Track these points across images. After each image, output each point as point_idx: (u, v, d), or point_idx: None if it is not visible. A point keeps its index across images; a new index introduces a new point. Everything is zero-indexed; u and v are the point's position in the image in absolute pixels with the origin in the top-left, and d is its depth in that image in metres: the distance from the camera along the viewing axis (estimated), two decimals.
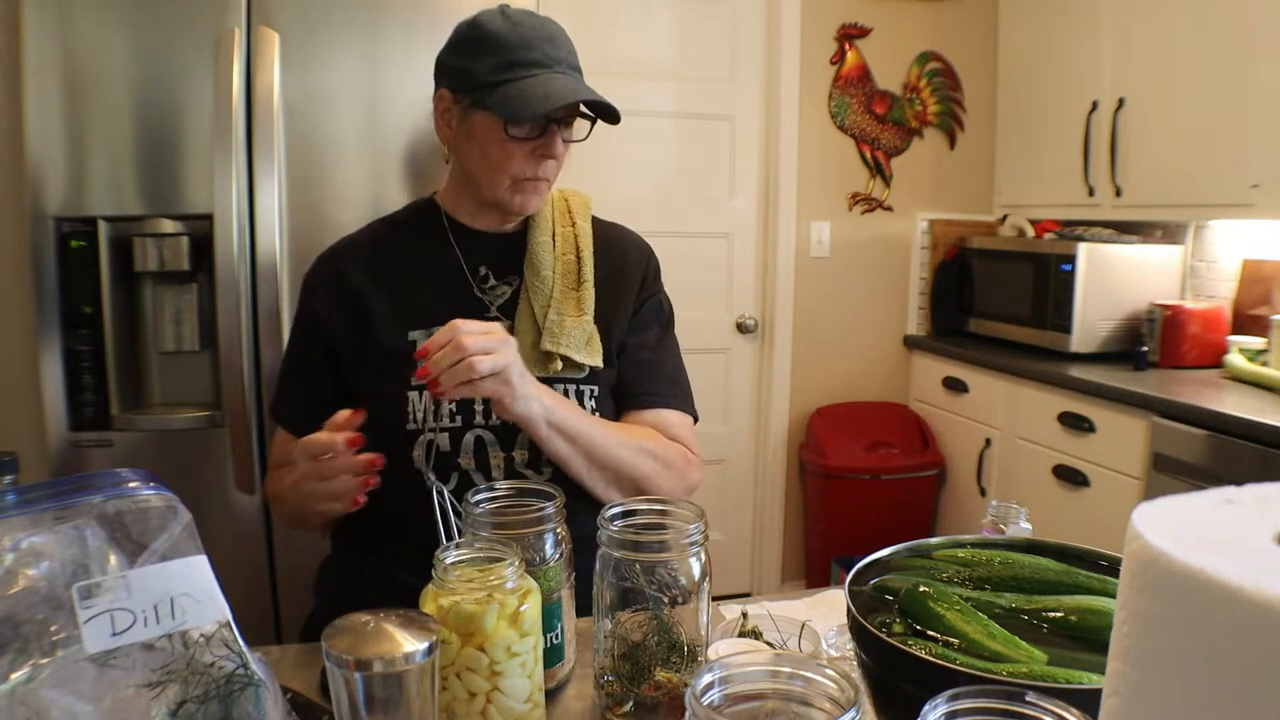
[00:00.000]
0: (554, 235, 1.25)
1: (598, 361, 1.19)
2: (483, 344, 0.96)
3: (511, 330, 1.18)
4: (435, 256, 1.22)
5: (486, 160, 1.16)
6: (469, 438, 1.14)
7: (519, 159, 1.15)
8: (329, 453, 0.97)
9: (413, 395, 1.13)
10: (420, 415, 1.13)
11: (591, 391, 1.19)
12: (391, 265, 1.22)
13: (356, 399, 1.17)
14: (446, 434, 1.13)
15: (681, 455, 1.22)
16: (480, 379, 0.96)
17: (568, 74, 1.14)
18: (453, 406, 1.13)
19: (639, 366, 1.25)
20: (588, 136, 1.20)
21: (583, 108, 1.17)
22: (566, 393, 1.17)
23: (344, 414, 0.98)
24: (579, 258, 1.24)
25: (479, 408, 1.14)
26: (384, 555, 1.14)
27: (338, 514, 1.08)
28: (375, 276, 1.21)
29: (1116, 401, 2.30)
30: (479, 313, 1.19)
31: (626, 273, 1.27)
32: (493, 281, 1.23)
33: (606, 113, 1.16)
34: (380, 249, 1.24)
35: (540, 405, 1.05)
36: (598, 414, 1.19)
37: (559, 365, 1.16)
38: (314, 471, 0.99)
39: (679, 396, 1.26)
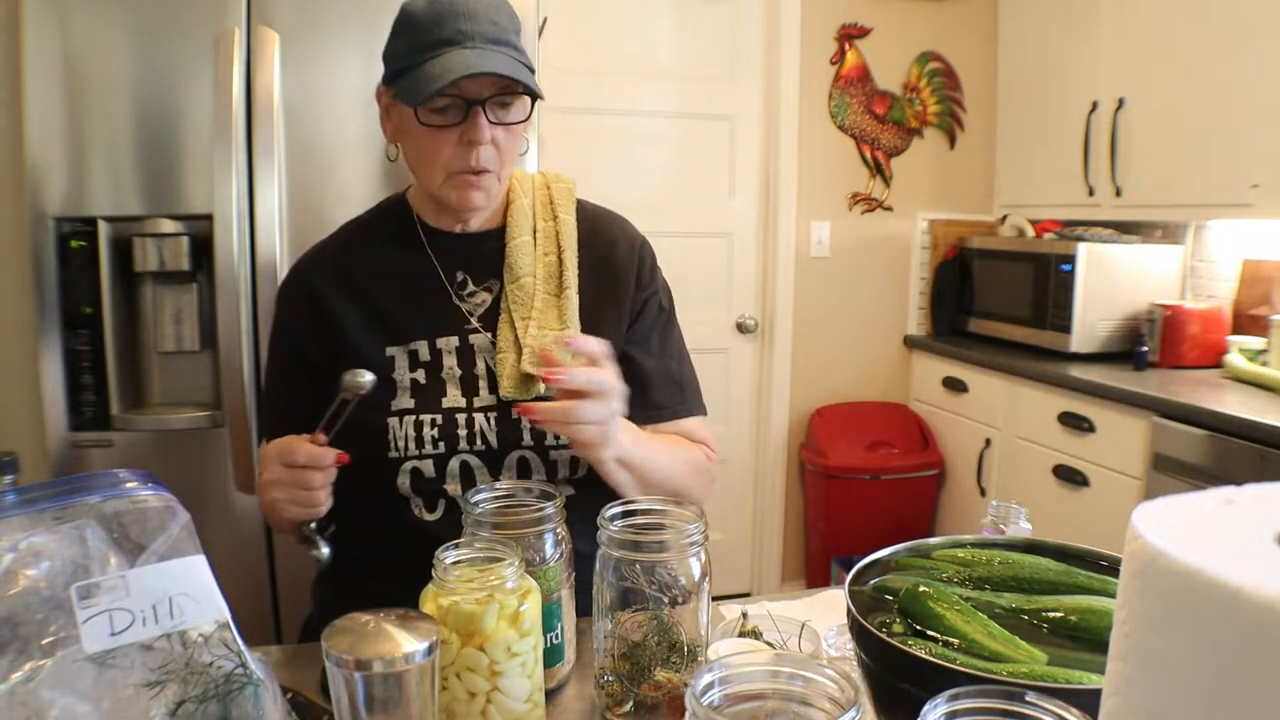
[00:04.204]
0: (535, 232, 1.16)
1: None
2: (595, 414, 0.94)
3: (493, 344, 1.11)
4: (409, 264, 1.14)
5: (419, 153, 1.08)
6: (454, 463, 1.07)
7: (446, 149, 1.04)
8: (312, 466, 0.94)
9: (393, 421, 1.06)
10: (401, 443, 1.06)
11: None
12: (364, 278, 1.13)
13: None
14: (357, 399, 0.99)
15: (706, 457, 1.21)
16: (577, 424, 0.94)
17: (482, 48, 1.00)
18: (435, 432, 1.06)
19: (647, 379, 1.18)
20: (529, 117, 1.07)
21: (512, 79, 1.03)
22: None
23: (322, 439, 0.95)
24: (561, 259, 1.15)
25: (462, 433, 1.07)
26: (369, 577, 1.08)
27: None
28: (348, 292, 1.13)
29: (1116, 401, 2.30)
30: (459, 324, 1.12)
31: (615, 268, 1.18)
32: (471, 288, 1.14)
33: (521, 80, 1.02)
34: (351, 260, 1.16)
35: (618, 447, 1.01)
36: None
37: (541, 389, 1.08)
38: (291, 479, 0.95)
39: (689, 402, 1.22)
